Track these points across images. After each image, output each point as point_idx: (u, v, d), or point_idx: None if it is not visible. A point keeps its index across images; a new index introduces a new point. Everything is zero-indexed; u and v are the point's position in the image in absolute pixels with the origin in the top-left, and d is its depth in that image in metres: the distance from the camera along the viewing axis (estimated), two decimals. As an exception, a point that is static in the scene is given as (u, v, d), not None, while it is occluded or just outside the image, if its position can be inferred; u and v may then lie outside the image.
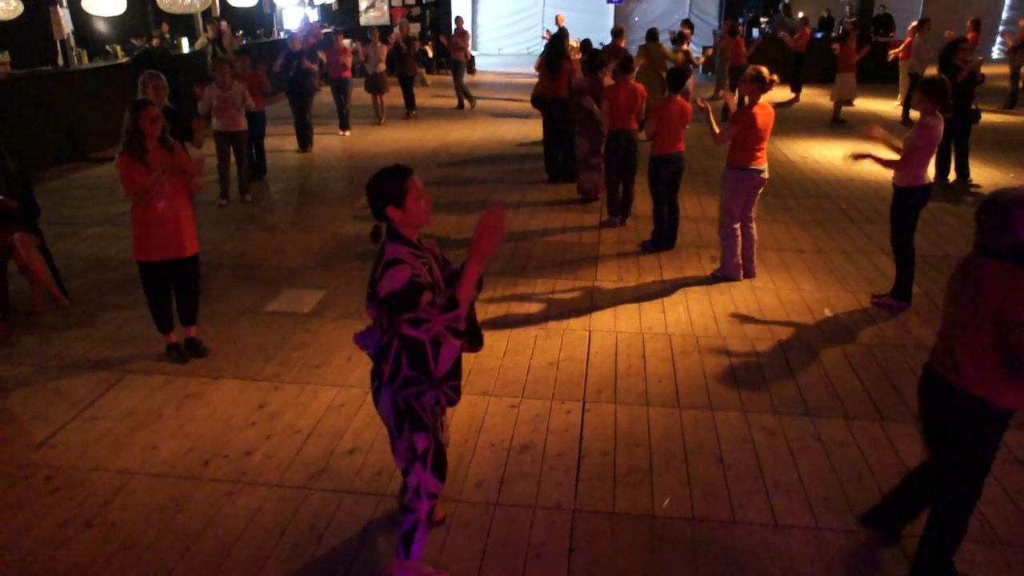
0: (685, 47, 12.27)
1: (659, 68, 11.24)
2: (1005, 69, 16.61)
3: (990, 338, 2.77)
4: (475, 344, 3.17)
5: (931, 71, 9.49)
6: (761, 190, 6.42)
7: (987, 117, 12.20)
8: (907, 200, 5.72)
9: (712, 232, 7.69)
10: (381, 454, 4.18)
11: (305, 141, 11.91)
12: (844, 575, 3.32)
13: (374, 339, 2.97)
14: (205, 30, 15.18)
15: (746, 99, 6.23)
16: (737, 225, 6.43)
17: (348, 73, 13.00)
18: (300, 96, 11.58)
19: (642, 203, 8.15)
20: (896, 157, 5.69)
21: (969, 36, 14.81)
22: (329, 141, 12.72)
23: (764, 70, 6.11)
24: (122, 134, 4.77)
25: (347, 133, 13.19)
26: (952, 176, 9.79)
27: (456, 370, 2.93)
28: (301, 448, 4.26)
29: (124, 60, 13.15)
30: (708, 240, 7.53)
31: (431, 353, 2.84)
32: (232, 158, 9.03)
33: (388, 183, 2.83)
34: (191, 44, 15.32)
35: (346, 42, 14.95)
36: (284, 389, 4.90)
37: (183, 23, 16.22)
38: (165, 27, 15.59)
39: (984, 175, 9.99)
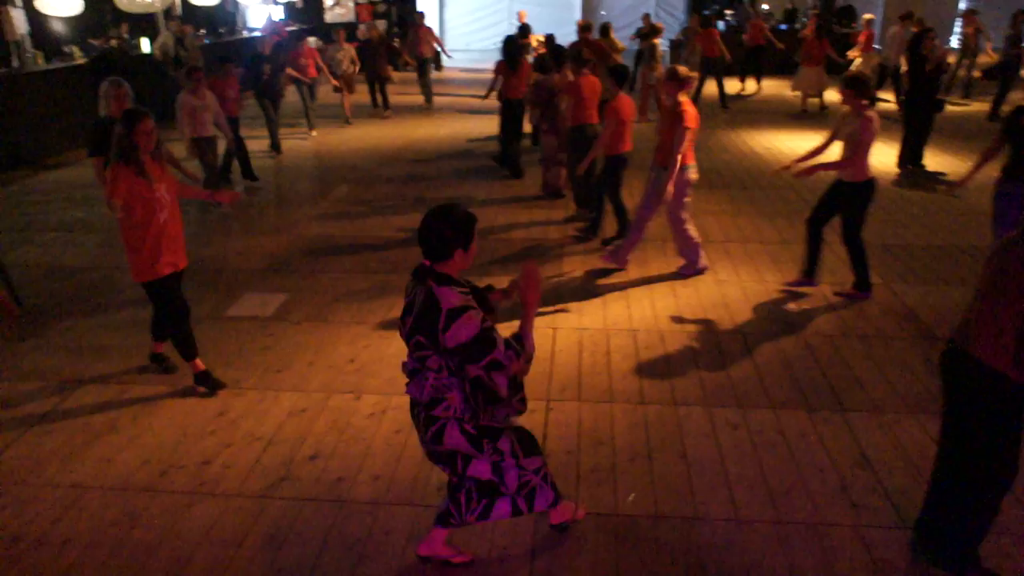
0: (656, 41, 12.32)
1: (609, 60, 11.23)
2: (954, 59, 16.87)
3: (1014, 318, 2.78)
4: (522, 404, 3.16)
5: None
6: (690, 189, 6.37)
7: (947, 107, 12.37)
8: (862, 194, 5.78)
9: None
10: (343, 459, 4.13)
11: (277, 141, 11.74)
12: (805, 568, 3.32)
13: (432, 383, 2.84)
14: (167, 29, 14.92)
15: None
16: (687, 223, 6.43)
17: (314, 73, 12.84)
18: (268, 98, 11.35)
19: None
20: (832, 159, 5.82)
21: (969, 30, 14.85)
22: (295, 142, 12.57)
23: (682, 69, 6.13)
24: (112, 145, 4.44)
25: (314, 133, 13.04)
26: (910, 164, 9.91)
27: (516, 384, 3.00)
28: (261, 456, 4.19)
29: (82, 61, 12.89)
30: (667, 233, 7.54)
31: (490, 382, 2.88)
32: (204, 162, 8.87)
33: (465, 225, 2.75)
34: (152, 44, 15.04)
35: (311, 41, 14.79)
36: (244, 395, 4.83)
37: (143, 23, 15.94)
38: (124, 27, 15.32)
39: (945, 164, 10.12)
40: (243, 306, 6.17)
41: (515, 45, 9.79)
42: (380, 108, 14.74)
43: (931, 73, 9.32)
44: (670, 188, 6.06)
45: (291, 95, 13.73)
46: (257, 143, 11.90)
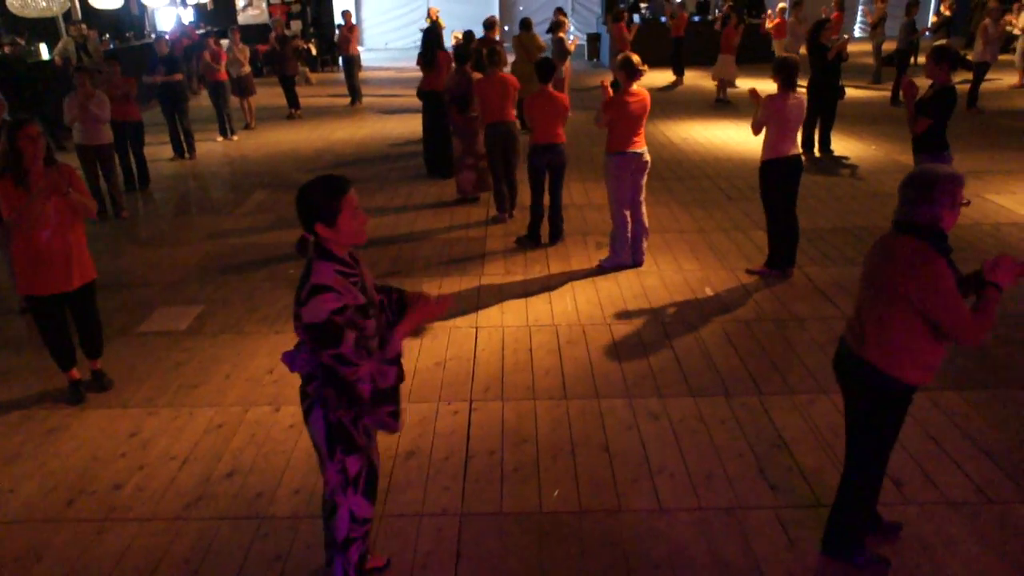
0: (561, 34, 12.35)
1: (533, 58, 11.25)
2: (867, 46, 17.52)
3: (901, 314, 2.84)
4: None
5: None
6: (646, 174, 6.46)
7: (850, 92, 12.82)
8: (766, 172, 6.07)
9: (597, 219, 7.79)
10: (262, 474, 4.02)
11: (184, 148, 11.38)
12: (726, 552, 3.39)
13: (304, 359, 2.74)
14: (68, 34, 14.30)
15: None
16: (627, 211, 6.50)
17: (223, 76, 12.49)
18: (173, 103, 11.06)
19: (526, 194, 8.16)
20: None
21: (834, 16, 15.60)
22: (209, 147, 12.21)
23: (634, 57, 6.18)
24: None
25: (235, 138, 12.70)
26: (817, 151, 10.25)
27: (386, 394, 2.70)
28: (176, 476, 4.05)
29: (-24, 70, 12.23)
30: (593, 227, 7.61)
31: (350, 377, 2.63)
32: (100, 172, 8.53)
33: (321, 198, 2.55)
34: (50, 50, 14.39)
35: (224, 43, 14.35)
36: (158, 414, 4.66)
37: (42, 28, 15.23)
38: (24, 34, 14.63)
39: (849, 148, 10.48)
40: (156, 321, 5.96)
41: (437, 36, 9.71)
42: (292, 108, 14.51)
43: (832, 61, 9.63)
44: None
45: (204, 99, 13.34)
46: (166, 148, 11.53)
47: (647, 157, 6.40)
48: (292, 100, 14.50)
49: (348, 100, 15.82)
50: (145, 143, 9.86)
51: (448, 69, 9.24)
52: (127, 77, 9.50)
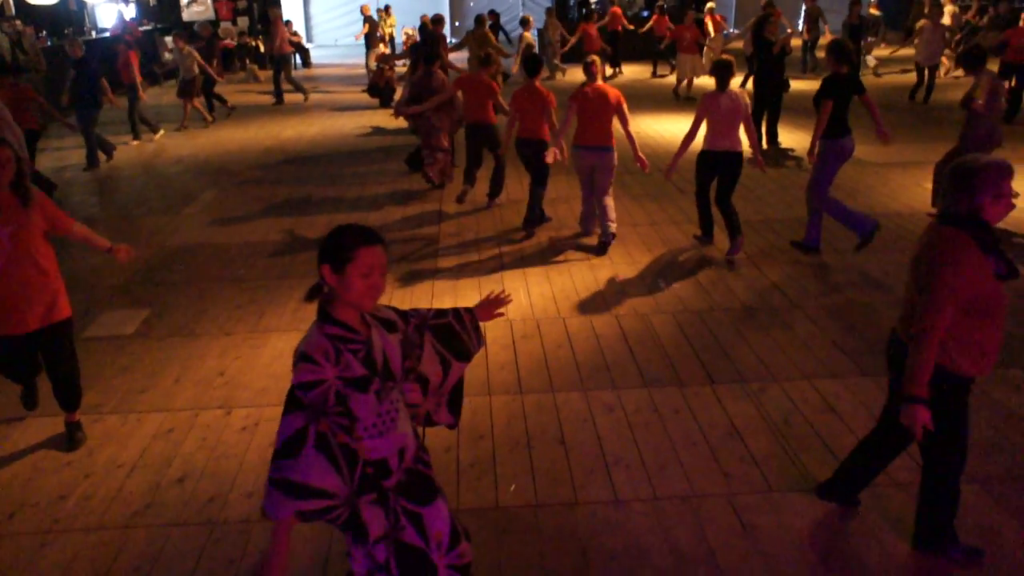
0: (527, 32, 12.48)
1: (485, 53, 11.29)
2: (797, 41, 17.88)
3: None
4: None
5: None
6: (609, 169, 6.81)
7: (795, 85, 13.12)
8: (697, 162, 6.61)
9: (563, 212, 7.84)
10: (214, 478, 3.94)
11: (95, 156, 10.71)
12: (681, 540, 3.42)
13: (362, 556, 2.45)
14: (1, 31, 13.84)
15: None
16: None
17: (135, 79, 11.96)
18: (88, 108, 10.47)
19: (517, 188, 8.17)
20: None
21: (776, 12, 15.84)
22: (149, 147, 11.89)
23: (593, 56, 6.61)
24: None
25: (135, 143, 12.12)
26: (764, 143, 10.42)
27: (378, 474, 2.36)
28: (124, 483, 3.95)
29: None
30: (562, 222, 7.65)
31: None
32: None
33: (342, 238, 2.28)
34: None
35: (168, 41, 14.01)
36: (104, 421, 4.53)
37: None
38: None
39: (795, 140, 10.68)
40: (101, 326, 5.80)
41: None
42: (223, 106, 14.17)
43: (777, 56, 9.81)
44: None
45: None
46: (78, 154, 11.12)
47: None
48: (210, 104, 13.92)
49: (299, 98, 15.56)
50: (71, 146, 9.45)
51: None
52: (18, 85, 9.17)
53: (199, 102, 13.36)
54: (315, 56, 23.00)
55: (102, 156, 10.82)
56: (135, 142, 12.21)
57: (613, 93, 6.56)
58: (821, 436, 4.12)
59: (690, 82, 14.51)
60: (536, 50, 12.28)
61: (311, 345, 2.24)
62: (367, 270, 2.27)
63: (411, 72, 9.38)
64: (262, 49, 21.06)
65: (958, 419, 3.00)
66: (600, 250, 6.76)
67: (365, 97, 15.00)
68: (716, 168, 6.45)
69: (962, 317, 2.80)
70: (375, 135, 12.22)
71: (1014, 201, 2.83)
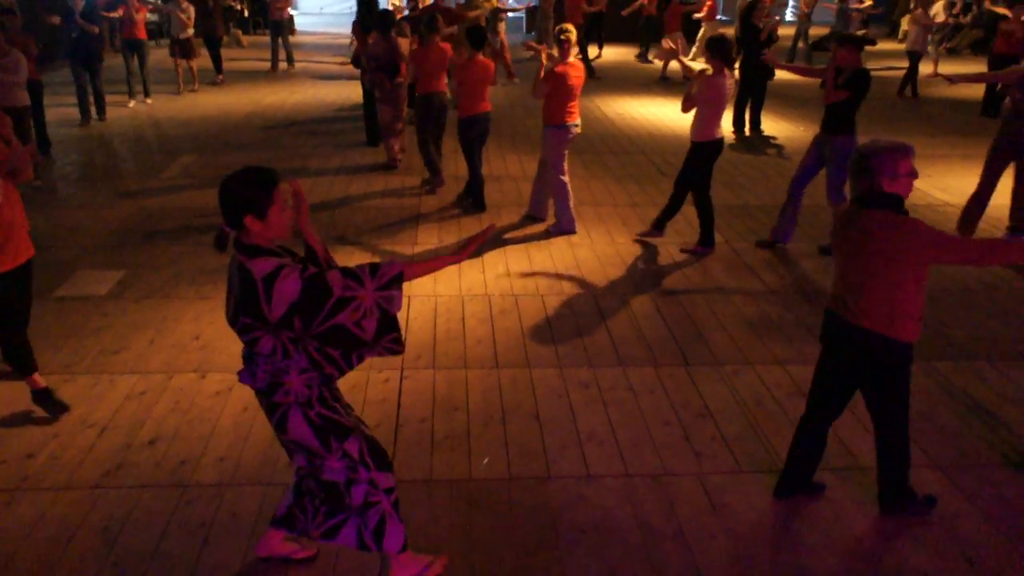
0: (494, 2, 12.25)
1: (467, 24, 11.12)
2: (791, 31, 17.91)
3: (889, 280, 2.98)
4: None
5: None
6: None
7: (780, 74, 13.08)
8: (699, 153, 6.10)
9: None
10: (186, 441, 3.93)
11: (91, 111, 10.72)
12: (650, 517, 3.47)
13: (264, 369, 2.61)
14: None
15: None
16: (567, 179, 6.62)
17: (143, 35, 11.83)
18: (86, 62, 10.38)
19: (456, 164, 8.11)
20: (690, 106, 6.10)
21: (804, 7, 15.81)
22: (125, 111, 11.66)
23: (570, 29, 6.30)
24: None
25: (149, 100, 12.14)
26: (747, 130, 10.46)
27: (387, 323, 2.57)
28: (95, 444, 3.92)
29: None
30: (527, 199, 7.60)
31: (356, 329, 2.51)
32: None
33: (253, 189, 2.44)
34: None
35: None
36: (76, 381, 4.49)
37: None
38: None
39: (777, 128, 10.74)
40: (75, 285, 5.72)
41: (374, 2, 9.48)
42: (214, 73, 13.86)
43: (764, 42, 9.82)
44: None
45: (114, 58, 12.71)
46: (68, 111, 10.96)
47: (579, 129, 6.62)
48: (218, 64, 13.81)
49: (284, 66, 15.32)
50: (49, 105, 9.32)
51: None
52: (27, 32, 8.93)
53: (194, 63, 13.06)
54: (299, 23, 22.64)
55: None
56: (148, 100, 12.12)
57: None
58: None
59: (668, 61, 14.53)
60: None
61: (268, 267, 2.43)
62: (283, 205, 2.51)
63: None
64: (246, 13, 20.71)
65: (907, 383, 3.23)
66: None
67: (349, 68, 14.80)
68: (713, 160, 6.19)
69: (915, 291, 3.00)
70: (359, 107, 12.06)
71: (915, 182, 3.05)
